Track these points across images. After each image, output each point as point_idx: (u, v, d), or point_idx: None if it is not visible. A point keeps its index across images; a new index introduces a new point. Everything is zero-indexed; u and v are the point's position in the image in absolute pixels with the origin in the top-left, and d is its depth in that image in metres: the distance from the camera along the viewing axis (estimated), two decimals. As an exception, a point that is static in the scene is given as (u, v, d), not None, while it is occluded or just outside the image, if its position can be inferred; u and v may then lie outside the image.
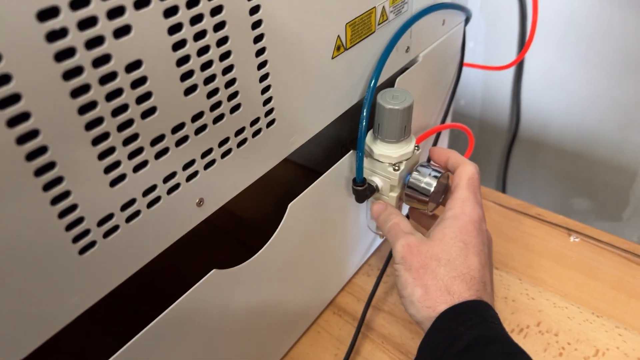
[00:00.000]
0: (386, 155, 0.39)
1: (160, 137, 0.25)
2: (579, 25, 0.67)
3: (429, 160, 0.44)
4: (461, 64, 0.55)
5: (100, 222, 0.24)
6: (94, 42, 0.20)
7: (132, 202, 0.25)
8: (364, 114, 0.37)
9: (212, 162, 0.28)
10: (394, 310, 0.49)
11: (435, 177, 0.40)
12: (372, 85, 0.38)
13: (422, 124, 0.52)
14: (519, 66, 0.77)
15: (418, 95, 0.48)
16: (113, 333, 0.29)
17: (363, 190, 0.40)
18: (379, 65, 0.38)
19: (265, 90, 0.30)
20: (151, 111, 0.24)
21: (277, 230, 0.36)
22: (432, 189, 0.39)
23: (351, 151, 0.41)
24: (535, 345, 0.45)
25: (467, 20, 0.52)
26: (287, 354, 0.46)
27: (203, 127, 0.27)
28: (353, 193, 0.41)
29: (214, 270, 0.32)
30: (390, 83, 0.42)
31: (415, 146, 0.41)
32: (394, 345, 0.46)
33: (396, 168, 0.40)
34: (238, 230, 0.45)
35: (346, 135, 0.44)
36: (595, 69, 0.69)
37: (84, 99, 0.21)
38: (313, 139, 0.36)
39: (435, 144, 0.54)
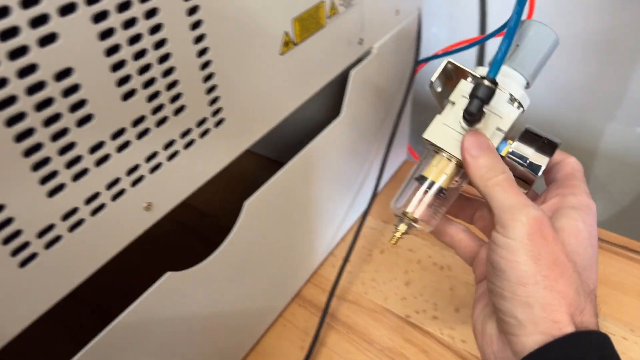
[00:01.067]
0: (512, 80, 0.31)
1: (100, 144, 0.24)
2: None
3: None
4: (417, 52, 0.55)
5: (41, 234, 0.23)
6: (18, 52, 0.20)
7: (74, 211, 0.25)
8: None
9: (158, 165, 0.28)
10: (358, 299, 0.50)
11: (553, 146, 0.31)
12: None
13: (380, 115, 0.52)
14: (480, 49, 0.77)
15: (374, 88, 0.48)
16: (74, 336, 0.29)
17: (488, 96, 0.28)
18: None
19: (211, 90, 0.29)
20: (87, 119, 0.23)
21: (234, 228, 0.36)
22: (544, 166, 0.30)
23: (315, 139, 0.41)
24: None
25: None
26: (253, 348, 0.46)
27: (146, 131, 0.27)
28: (470, 105, 0.29)
29: (168, 273, 0.32)
30: (343, 76, 0.42)
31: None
32: (359, 335, 0.47)
33: (518, 106, 0.31)
34: (201, 226, 0.44)
35: (310, 125, 0.44)
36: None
37: (11, 111, 0.20)
38: (280, 128, 0.36)
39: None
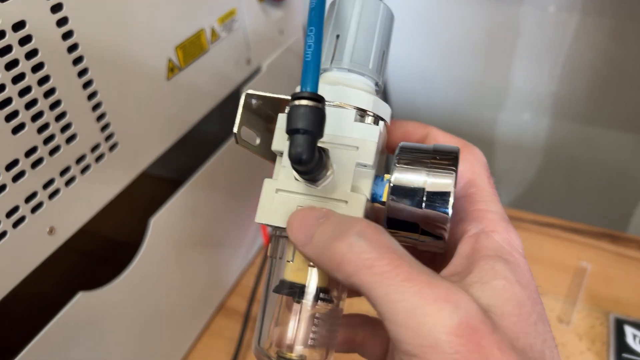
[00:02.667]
0: (351, 87, 0.21)
1: (-6, 176, 0.26)
2: (425, 18, 0.75)
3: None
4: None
5: (-58, 265, 0.25)
6: None
7: (-25, 241, 0.26)
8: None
9: (57, 191, 0.30)
10: (281, 300, 0.53)
11: (452, 171, 0.20)
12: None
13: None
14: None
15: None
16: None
17: (314, 122, 0.17)
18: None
19: (101, 117, 0.32)
20: (-23, 153, 0.25)
21: (143, 246, 0.38)
22: (452, 191, 0.19)
23: (216, 153, 0.44)
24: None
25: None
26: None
27: (40, 160, 0.29)
28: (290, 147, 0.18)
29: (80, 293, 0.34)
30: (234, 95, 0.46)
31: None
32: (283, 332, 0.50)
33: (375, 120, 0.21)
34: (106, 249, 0.46)
35: (210, 137, 0.46)
36: (447, 54, 0.78)
37: None
38: (180, 148, 0.39)
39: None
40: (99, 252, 0.38)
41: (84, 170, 0.32)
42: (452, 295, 0.16)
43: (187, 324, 0.48)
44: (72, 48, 0.29)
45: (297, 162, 0.18)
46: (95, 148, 0.32)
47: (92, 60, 0.30)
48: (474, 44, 0.76)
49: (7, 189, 0.27)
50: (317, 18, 0.19)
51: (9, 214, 0.28)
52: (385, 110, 0.22)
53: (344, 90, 0.21)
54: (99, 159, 0.33)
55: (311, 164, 0.18)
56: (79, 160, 0.31)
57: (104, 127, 0.33)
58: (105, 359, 0.38)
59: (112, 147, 0.34)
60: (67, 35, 0.28)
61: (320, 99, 0.18)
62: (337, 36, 0.22)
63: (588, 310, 0.48)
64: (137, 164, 0.36)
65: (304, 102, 0.18)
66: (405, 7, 0.74)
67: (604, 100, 0.72)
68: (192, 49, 0.39)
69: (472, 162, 0.22)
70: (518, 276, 0.19)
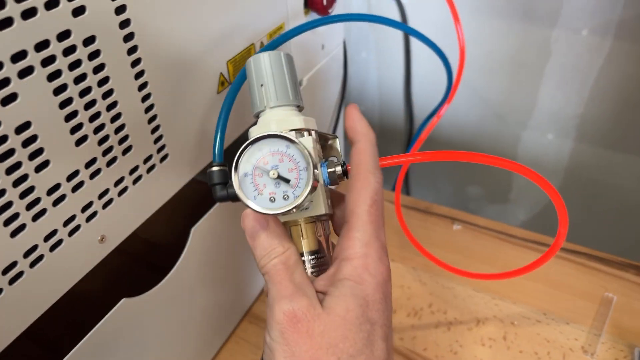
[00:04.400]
0: (285, 117, 0.29)
1: (56, 186, 0.27)
2: (451, 35, 0.76)
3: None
4: (345, 77, 0.60)
5: (5, 271, 0.26)
6: (-18, 112, 0.22)
7: (35, 248, 0.27)
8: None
9: (110, 201, 0.31)
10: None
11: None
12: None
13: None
14: (407, 71, 0.84)
15: (310, 103, 0.52)
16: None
17: (212, 174, 0.31)
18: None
19: (155, 130, 0.33)
20: (44, 164, 0.26)
21: (183, 254, 0.39)
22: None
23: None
24: (428, 324, 0.51)
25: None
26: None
27: (97, 171, 0.29)
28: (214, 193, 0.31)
29: (123, 299, 0.34)
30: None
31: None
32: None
33: (308, 134, 0.29)
34: (150, 255, 0.47)
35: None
36: (470, 71, 0.78)
37: (-24, 163, 0.23)
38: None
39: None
40: (143, 257, 0.39)
41: (135, 180, 0.32)
42: (294, 295, 0.25)
43: (216, 329, 0.49)
44: (136, 62, 0.30)
45: (219, 200, 0.31)
46: (147, 159, 0.33)
47: (152, 74, 0.31)
48: (501, 62, 0.76)
49: (67, 198, 0.28)
50: (226, 105, 0.32)
51: (66, 223, 0.29)
52: (311, 123, 0.30)
53: (283, 120, 0.29)
54: (150, 169, 0.33)
55: (220, 199, 0.31)
56: (132, 171, 0.32)
57: (157, 139, 0.33)
58: (139, 363, 0.38)
59: (163, 159, 0.34)
60: (132, 50, 0.29)
61: (222, 165, 0.31)
62: (262, 85, 0.30)
63: (612, 342, 0.48)
64: (185, 174, 0.37)
65: (214, 168, 0.31)
66: (431, 23, 0.74)
67: (630, 125, 0.72)
68: (242, 63, 0.39)
69: (357, 192, 0.27)
70: (356, 293, 0.25)
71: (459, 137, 0.87)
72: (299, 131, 0.29)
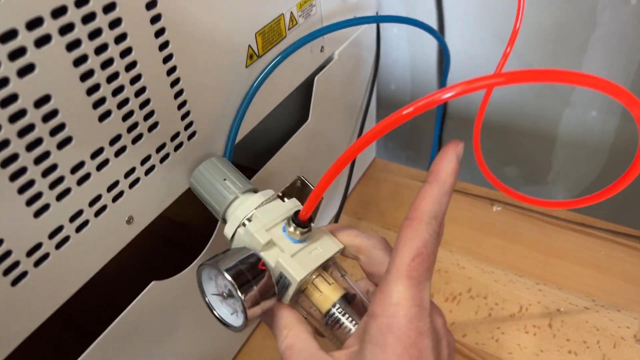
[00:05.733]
0: (228, 231, 0.30)
1: (80, 164, 0.26)
2: (490, 5, 0.71)
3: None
4: (378, 53, 0.58)
5: (30, 252, 0.25)
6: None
7: (60, 229, 0.26)
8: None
9: (137, 180, 0.30)
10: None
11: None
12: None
13: (346, 116, 0.54)
14: (440, 47, 0.81)
15: (339, 91, 0.50)
16: (61, 352, 0.30)
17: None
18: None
19: (182, 105, 0.31)
20: (67, 141, 0.25)
21: (212, 236, 0.37)
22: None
23: (285, 144, 0.43)
24: (467, 310, 0.49)
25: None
26: (240, 350, 0.48)
27: (123, 149, 0.28)
28: None
29: (153, 282, 0.33)
30: (308, 83, 0.44)
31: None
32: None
33: (244, 222, 0.29)
34: (180, 237, 0.46)
35: (280, 132, 0.45)
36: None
37: (-5, 139, 0.22)
38: (251, 136, 0.38)
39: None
40: (169, 243, 0.38)
41: (163, 159, 0.31)
42: None
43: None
44: (159, 33, 0.28)
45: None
46: (175, 136, 0.31)
47: (177, 46, 0.29)
48: (543, 34, 0.71)
49: (92, 177, 0.27)
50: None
51: (91, 203, 0.27)
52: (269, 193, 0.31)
53: (253, 201, 0.30)
54: (177, 147, 0.32)
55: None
56: (159, 149, 0.31)
57: (185, 115, 0.32)
58: (171, 346, 0.37)
59: (190, 136, 0.33)
60: (155, 19, 0.27)
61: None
62: (224, 179, 0.32)
63: (668, 330, 0.45)
64: (214, 153, 0.35)
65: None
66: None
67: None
68: (271, 35, 0.37)
69: (403, 240, 0.24)
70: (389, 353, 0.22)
71: (495, 113, 0.83)
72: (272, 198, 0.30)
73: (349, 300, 0.27)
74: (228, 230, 0.30)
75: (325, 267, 0.28)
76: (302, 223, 0.27)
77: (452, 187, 0.24)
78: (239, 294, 0.25)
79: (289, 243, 0.27)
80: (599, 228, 0.56)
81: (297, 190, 0.31)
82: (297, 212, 0.27)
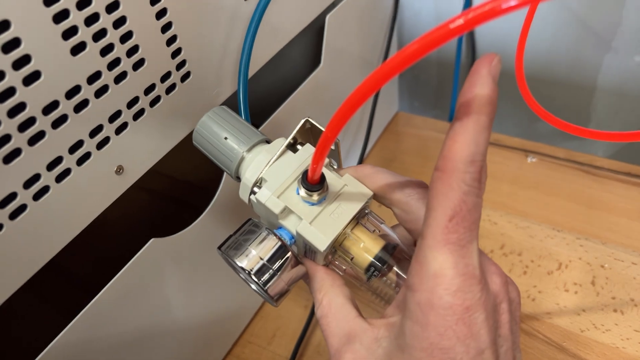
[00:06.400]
0: (242, 190, 0.27)
1: (54, 104, 0.23)
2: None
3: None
4: (396, 5, 0.53)
5: (2, 204, 0.22)
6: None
7: (37, 177, 0.23)
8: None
9: (124, 125, 0.27)
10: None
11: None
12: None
13: (363, 65, 0.50)
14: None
15: (354, 32, 0.46)
16: (60, 308, 0.28)
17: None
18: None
19: (172, 41, 0.28)
20: (35, 76, 0.22)
21: (216, 194, 0.35)
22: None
23: (296, 90, 0.39)
24: (501, 267, 0.45)
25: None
26: (257, 313, 0.45)
27: (104, 89, 0.25)
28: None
29: (152, 239, 0.31)
30: (320, 21, 0.40)
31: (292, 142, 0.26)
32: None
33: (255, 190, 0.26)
34: (183, 192, 0.43)
35: (290, 79, 0.42)
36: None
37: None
38: (261, 83, 0.34)
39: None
40: (174, 196, 0.35)
41: (153, 102, 0.28)
42: (353, 331, 0.22)
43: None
44: (138, -47, 0.24)
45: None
46: (165, 77, 0.28)
47: (161, -30, 0.26)
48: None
49: (69, 120, 0.24)
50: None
51: (72, 149, 0.24)
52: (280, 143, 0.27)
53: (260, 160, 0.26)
54: (169, 90, 0.29)
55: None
56: (148, 90, 0.27)
57: (175, 53, 0.28)
58: (181, 307, 0.35)
59: (184, 77, 0.29)
60: None
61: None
62: (225, 137, 0.27)
63: None
64: (214, 96, 0.32)
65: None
66: None
67: None
68: (272, -37, 0.33)
69: (435, 197, 0.19)
70: (417, 342, 0.19)
71: (528, 65, 0.77)
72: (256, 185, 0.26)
73: (390, 252, 0.24)
74: (242, 196, 0.27)
75: (357, 218, 0.24)
76: (313, 186, 0.23)
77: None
78: (260, 287, 0.23)
79: (306, 207, 0.24)
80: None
81: (308, 134, 0.27)
82: (306, 174, 0.23)
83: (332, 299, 0.23)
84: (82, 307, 0.28)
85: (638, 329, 0.39)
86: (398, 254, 0.24)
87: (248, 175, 0.26)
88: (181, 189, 0.35)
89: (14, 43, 0.21)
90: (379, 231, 0.25)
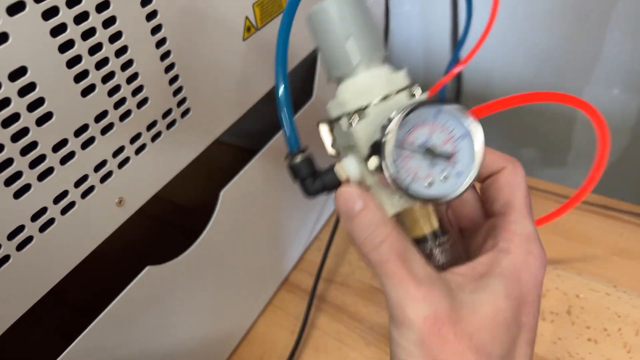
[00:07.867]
0: (338, 103, 0.24)
1: (63, 142, 0.24)
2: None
3: None
4: (387, 28, 0.55)
5: (11, 236, 0.23)
6: (-35, 53, 0.19)
7: (44, 210, 0.25)
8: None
9: (127, 159, 0.28)
10: (346, 280, 0.50)
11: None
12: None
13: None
14: (454, 25, 0.77)
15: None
16: (59, 335, 0.29)
17: (298, 167, 0.24)
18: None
19: (174, 80, 0.29)
20: (47, 117, 0.23)
21: (212, 219, 0.36)
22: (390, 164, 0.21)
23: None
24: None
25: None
26: (244, 337, 0.47)
27: (110, 126, 0.26)
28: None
29: (147, 267, 0.32)
30: (310, 59, 0.42)
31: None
32: (348, 314, 0.47)
33: (351, 122, 0.23)
34: (179, 219, 0.44)
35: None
36: (526, 22, 0.71)
37: (-35, 114, 0.20)
38: (251, 117, 0.36)
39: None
40: (167, 226, 0.36)
41: (154, 137, 0.29)
42: (428, 294, 0.21)
43: (251, 298, 0.46)
44: (146, 1, 0.26)
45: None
46: (167, 114, 0.30)
47: (166, 17, 0.27)
48: (562, 10, 0.68)
49: (76, 156, 0.25)
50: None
51: (77, 184, 0.26)
52: (407, 76, 0.24)
53: (385, 84, 0.23)
54: (170, 125, 0.30)
55: (314, 193, 0.24)
56: (150, 126, 0.29)
57: (177, 91, 0.30)
58: (172, 332, 0.36)
59: (184, 113, 0.31)
60: (141, -14, 0.25)
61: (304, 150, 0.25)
62: (348, 37, 0.23)
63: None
64: (210, 131, 0.33)
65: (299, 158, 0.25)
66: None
67: None
68: (270, 6, 0.35)
69: (512, 185, 0.25)
70: (511, 292, 0.22)
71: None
72: (407, 88, 0.23)
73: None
74: (331, 111, 0.25)
75: None
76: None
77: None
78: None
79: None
80: (621, 210, 0.53)
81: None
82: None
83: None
84: (78, 334, 0.29)
85: (611, 358, 0.41)
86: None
87: (354, 98, 0.23)
88: (176, 217, 0.37)
89: (30, 87, 0.22)
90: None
